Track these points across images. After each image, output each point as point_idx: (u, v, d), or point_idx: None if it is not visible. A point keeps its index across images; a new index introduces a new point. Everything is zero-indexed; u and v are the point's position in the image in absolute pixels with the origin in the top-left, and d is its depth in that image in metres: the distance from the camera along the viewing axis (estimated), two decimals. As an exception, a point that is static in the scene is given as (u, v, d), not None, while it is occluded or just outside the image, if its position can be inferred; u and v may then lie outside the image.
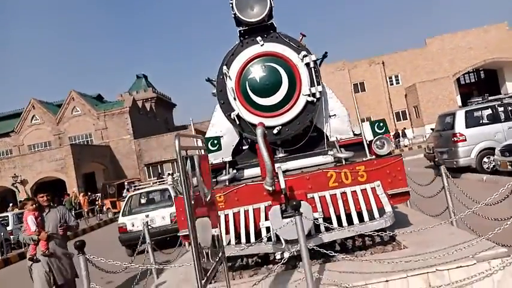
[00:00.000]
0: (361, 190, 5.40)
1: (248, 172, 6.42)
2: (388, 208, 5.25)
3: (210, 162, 6.00)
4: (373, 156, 5.72)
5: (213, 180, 6.52)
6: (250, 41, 6.43)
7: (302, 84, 6.29)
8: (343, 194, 5.43)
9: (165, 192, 13.84)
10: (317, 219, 5.10)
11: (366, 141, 5.86)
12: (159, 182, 20.44)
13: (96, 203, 30.79)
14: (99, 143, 49.87)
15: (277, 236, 5.13)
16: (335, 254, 4.87)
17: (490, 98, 16.11)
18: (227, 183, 5.88)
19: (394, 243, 5.46)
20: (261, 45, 6.37)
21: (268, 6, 6.18)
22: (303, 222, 4.40)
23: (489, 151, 13.38)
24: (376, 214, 5.24)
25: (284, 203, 5.09)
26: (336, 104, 6.80)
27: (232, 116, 6.36)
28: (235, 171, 6.31)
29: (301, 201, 4.74)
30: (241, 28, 6.40)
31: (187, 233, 3.01)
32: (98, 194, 33.23)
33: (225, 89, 6.43)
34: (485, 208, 4.91)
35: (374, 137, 5.81)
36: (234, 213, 5.55)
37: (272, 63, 6.33)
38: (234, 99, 6.35)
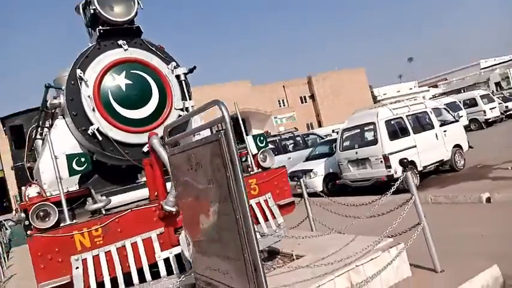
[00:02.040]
0: (255, 203, 5.15)
1: (116, 199, 5.19)
2: (280, 219, 5.19)
3: (65, 190, 4.65)
4: (259, 170, 5.58)
5: (78, 211, 5.04)
6: (109, 43, 5.43)
7: (174, 97, 5.67)
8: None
9: None
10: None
11: (251, 154, 5.69)
12: None
13: None
14: None
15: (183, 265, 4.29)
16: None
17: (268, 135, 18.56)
18: (103, 212, 4.57)
19: (287, 252, 5.41)
20: (125, 50, 5.47)
21: (136, 7, 5.43)
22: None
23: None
24: (273, 226, 5.08)
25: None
26: (200, 123, 6.38)
27: (89, 131, 5.10)
28: (104, 197, 4.99)
29: None
30: (100, 27, 5.33)
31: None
32: None
33: (78, 98, 5.14)
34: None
35: (258, 151, 5.70)
36: (118, 249, 4.33)
37: (139, 71, 5.49)
38: (93, 110, 5.14)
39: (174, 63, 5.75)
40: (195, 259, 2.60)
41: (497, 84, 52.09)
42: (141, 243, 4.41)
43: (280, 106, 53.62)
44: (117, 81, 5.31)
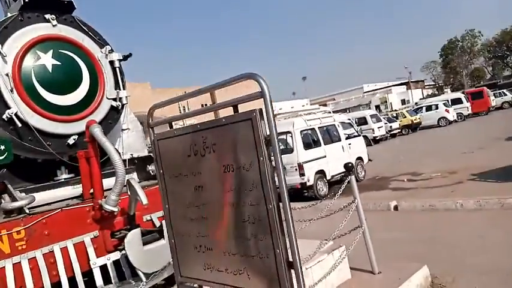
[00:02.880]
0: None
1: (40, 197, 4.40)
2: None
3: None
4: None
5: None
6: (34, 16, 4.68)
7: (106, 84, 5.09)
8: None
9: None
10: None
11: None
12: None
13: None
14: None
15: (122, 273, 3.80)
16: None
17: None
18: (27, 211, 3.80)
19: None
20: (54, 26, 4.75)
21: (70, -23, 4.79)
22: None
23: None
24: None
25: (131, 228, 3.87)
26: (129, 117, 5.83)
27: (5, 116, 4.29)
28: (24, 194, 4.17)
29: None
30: (24, -4, 4.56)
31: None
32: None
33: (-9, 75, 4.30)
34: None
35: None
36: (44, 255, 3.65)
37: (69, 51, 4.82)
38: (11, 91, 4.34)
39: (108, 48, 5.18)
40: (184, 261, 2.25)
41: (377, 107, 58.01)
42: (73, 248, 3.80)
43: (181, 112, 52.51)
44: (43, 60, 4.58)
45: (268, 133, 1.74)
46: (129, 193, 3.84)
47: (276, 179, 1.75)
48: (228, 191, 1.92)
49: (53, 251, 3.68)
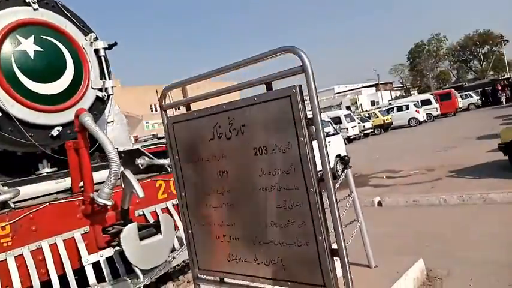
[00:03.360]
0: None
1: (22, 191, 4.08)
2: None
3: None
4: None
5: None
6: (14, -2, 4.36)
7: (91, 74, 4.82)
8: (175, 206, 4.48)
9: None
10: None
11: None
12: None
13: None
14: None
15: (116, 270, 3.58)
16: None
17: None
18: (12, 206, 3.50)
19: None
20: (35, 10, 4.45)
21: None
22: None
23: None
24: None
25: (124, 223, 3.65)
26: (113, 109, 5.56)
27: (-18, 105, 3.97)
28: (6, 187, 3.84)
29: (164, 214, 3.62)
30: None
31: None
32: None
33: (-33, 60, 3.97)
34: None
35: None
36: (32, 252, 3.38)
37: (52, 38, 4.52)
38: (-11, 77, 4.02)
39: (93, 35, 4.91)
40: (203, 253, 2.08)
41: (348, 107, 58.94)
42: (62, 244, 3.54)
43: (152, 111, 51.62)
44: (24, 46, 4.28)
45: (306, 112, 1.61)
46: (123, 186, 3.62)
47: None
48: (259, 176, 1.77)
49: (41, 247, 3.41)
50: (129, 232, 3.39)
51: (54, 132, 4.42)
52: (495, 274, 4.54)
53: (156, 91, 53.68)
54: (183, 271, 4.70)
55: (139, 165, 4.73)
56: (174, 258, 3.69)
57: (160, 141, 7.54)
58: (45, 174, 4.53)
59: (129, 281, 3.57)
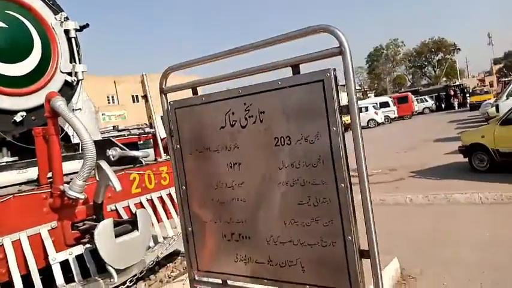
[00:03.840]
0: (166, 195, 4.40)
1: None
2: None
3: None
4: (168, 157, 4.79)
5: None
6: (-25, -33, 3.92)
7: (60, 56, 4.45)
8: (149, 201, 4.22)
9: None
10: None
11: (160, 137, 4.84)
12: None
13: None
14: None
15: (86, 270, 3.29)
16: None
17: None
18: (-30, 196, 3.11)
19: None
20: (-2, -18, 4.03)
21: None
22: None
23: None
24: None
25: (97, 218, 3.38)
26: (81, 96, 5.18)
27: None
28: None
29: (141, 209, 3.38)
30: None
31: None
32: None
33: None
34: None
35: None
36: (-8, 249, 3.03)
37: (17, 13, 4.12)
38: None
39: (64, 14, 4.53)
40: (204, 252, 1.89)
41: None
42: (27, 241, 3.20)
43: (109, 103, 49.79)
44: (-15, 20, 3.86)
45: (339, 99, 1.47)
46: (97, 178, 3.33)
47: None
48: (279, 168, 1.61)
49: (2, 244, 3.06)
50: (104, 228, 3.12)
51: (18, 118, 4.04)
52: (466, 273, 4.64)
53: (115, 82, 51.98)
54: (153, 270, 4.46)
55: (111, 156, 4.41)
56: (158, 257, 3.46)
57: (123, 133, 7.16)
58: (5, 163, 4.13)
59: (101, 281, 3.29)
